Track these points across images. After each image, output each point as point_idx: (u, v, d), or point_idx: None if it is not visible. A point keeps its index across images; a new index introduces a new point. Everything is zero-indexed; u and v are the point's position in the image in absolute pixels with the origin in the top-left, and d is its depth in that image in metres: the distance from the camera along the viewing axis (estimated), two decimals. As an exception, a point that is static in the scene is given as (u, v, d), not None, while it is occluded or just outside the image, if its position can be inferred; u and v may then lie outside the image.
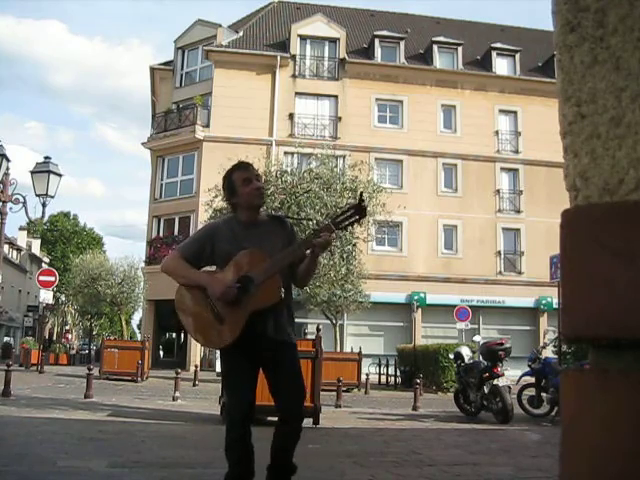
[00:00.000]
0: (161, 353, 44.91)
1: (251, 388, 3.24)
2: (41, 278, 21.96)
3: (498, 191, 29.55)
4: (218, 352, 17.63)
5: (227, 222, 3.45)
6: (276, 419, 3.41)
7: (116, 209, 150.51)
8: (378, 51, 30.41)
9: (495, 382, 9.89)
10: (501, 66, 30.95)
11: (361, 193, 3.36)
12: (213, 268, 3.45)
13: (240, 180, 3.30)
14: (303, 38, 29.97)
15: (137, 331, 59.07)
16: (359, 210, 3.27)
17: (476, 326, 26.42)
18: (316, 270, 3.43)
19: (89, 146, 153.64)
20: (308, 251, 3.28)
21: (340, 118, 28.94)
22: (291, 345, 3.32)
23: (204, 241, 3.36)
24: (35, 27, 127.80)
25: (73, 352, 38.76)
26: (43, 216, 13.53)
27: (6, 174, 12.61)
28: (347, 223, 3.29)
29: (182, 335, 38.98)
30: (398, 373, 21.50)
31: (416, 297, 26.96)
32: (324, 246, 3.26)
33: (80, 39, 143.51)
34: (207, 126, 28.49)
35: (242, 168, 3.39)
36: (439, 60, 30.64)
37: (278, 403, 3.27)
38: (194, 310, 3.28)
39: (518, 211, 29.59)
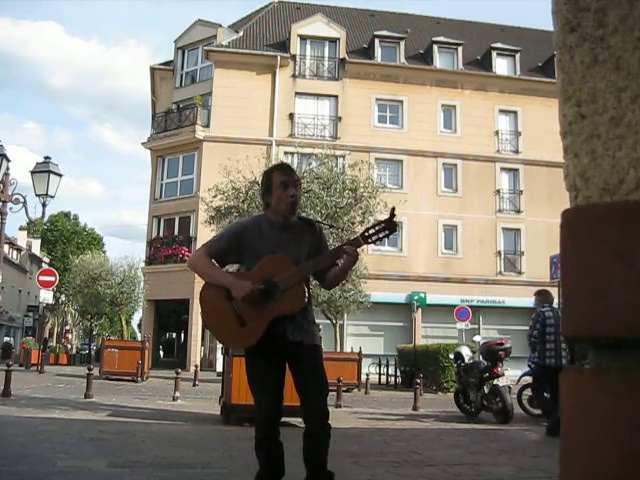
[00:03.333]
0: (161, 353, 44.94)
1: (277, 388, 3.25)
2: (41, 278, 21.95)
3: (498, 191, 29.55)
4: (219, 352, 17.51)
5: (256, 221, 3.42)
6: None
7: (114, 209, 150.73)
8: (378, 51, 30.41)
9: (495, 382, 9.89)
10: (501, 66, 30.95)
11: (393, 208, 3.30)
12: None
13: (278, 182, 3.25)
14: (303, 38, 29.97)
15: (137, 331, 59.05)
16: (390, 225, 3.25)
17: (476, 326, 26.42)
18: (345, 278, 3.46)
19: (87, 147, 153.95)
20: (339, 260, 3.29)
21: (340, 118, 28.94)
22: (313, 346, 3.31)
23: (231, 240, 3.33)
24: (32, 28, 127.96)
25: (73, 352, 38.81)
26: (43, 216, 13.53)
27: (6, 174, 12.60)
28: (376, 238, 3.27)
29: (182, 335, 38.97)
30: (398, 373, 21.49)
31: (416, 297, 26.94)
32: (351, 260, 3.25)
33: (77, 40, 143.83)
34: (207, 126, 28.49)
35: (283, 170, 3.35)
36: (439, 60, 30.64)
37: (302, 402, 3.28)
38: (217, 309, 3.26)
39: (518, 211, 29.59)
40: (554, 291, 9.63)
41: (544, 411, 8.91)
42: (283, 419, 3.45)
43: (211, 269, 3.28)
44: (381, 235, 3.26)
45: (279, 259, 3.19)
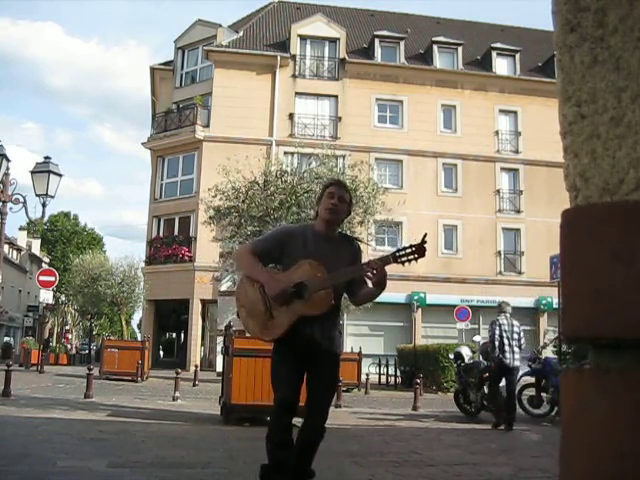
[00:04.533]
0: (161, 353, 44.93)
1: (296, 384, 3.47)
2: (41, 278, 21.94)
3: (498, 191, 29.55)
4: (219, 353, 17.48)
5: (303, 229, 3.74)
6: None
7: (114, 209, 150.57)
8: (378, 51, 30.41)
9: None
10: (501, 66, 30.94)
11: (425, 235, 3.50)
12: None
13: (327, 193, 3.61)
14: (303, 38, 29.96)
15: (137, 331, 59.05)
16: (420, 250, 3.47)
17: (476, 326, 26.42)
18: (376, 296, 3.64)
19: (86, 147, 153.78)
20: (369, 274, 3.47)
21: (340, 118, 28.94)
22: (335, 354, 3.57)
23: (275, 243, 3.63)
24: (31, 29, 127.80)
25: (73, 352, 38.81)
26: (43, 216, 13.52)
27: (6, 174, 12.60)
28: (405, 260, 3.48)
29: (182, 335, 38.99)
30: (398, 373, 21.50)
31: (416, 297, 26.96)
32: (379, 278, 3.40)
33: (76, 40, 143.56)
34: (207, 126, 28.48)
35: (334, 185, 3.71)
36: (439, 60, 30.64)
37: (307, 401, 3.52)
38: (250, 301, 3.54)
39: (518, 211, 29.59)
40: (554, 291, 9.81)
41: (494, 406, 9.67)
42: None
43: (252, 264, 3.57)
44: (410, 258, 3.49)
45: (314, 265, 3.45)
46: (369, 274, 3.43)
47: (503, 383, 9.88)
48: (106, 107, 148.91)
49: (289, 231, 3.80)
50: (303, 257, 3.47)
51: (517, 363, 9.46)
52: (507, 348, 9.43)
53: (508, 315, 9.73)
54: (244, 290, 3.60)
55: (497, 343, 9.50)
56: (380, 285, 3.46)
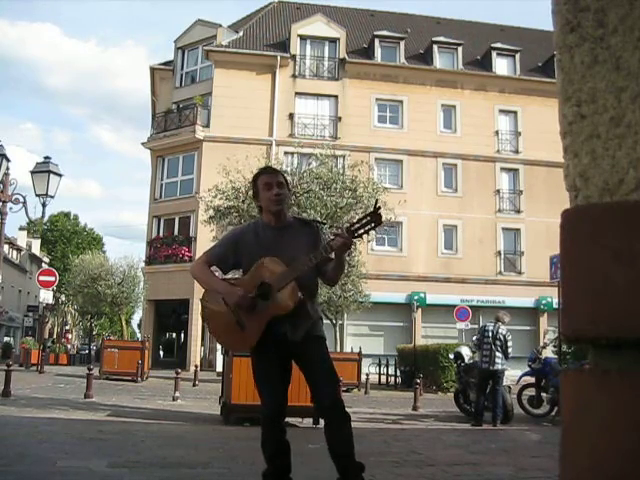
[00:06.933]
0: (161, 353, 44.90)
1: (280, 388, 3.36)
2: (41, 278, 21.94)
3: (498, 191, 29.54)
4: (219, 352, 17.53)
5: (253, 226, 3.58)
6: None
7: (113, 210, 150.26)
8: (378, 51, 30.40)
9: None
10: (501, 66, 30.94)
11: (376, 201, 3.45)
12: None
13: (262, 184, 3.42)
14: (303, 38, 29.96)
15: (137, 331, 59.05)
16: (374, 218, 3.29)
17: (476, 326, 26.36)
18: (344, 269, 3.53)
19: (85, 147, 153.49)
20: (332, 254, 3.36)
21: (340, 118, 28.93)
22: (316, 337, 3.41)
23: (228, 247, 3.50)
24: (29, 30, 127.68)
25: (73, 352, 38.79)
26: (43, 216, 13.53)
27: (6, 174, 12.60)
28: (362, 231, 3.31)
29: (182, 335, 38.98)
30: (398, 373, 21.50)
31: (416, 297, 26.96)
32: (342, 248, 3.29)
33: (74, 41, 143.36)
34: (207, 126, 28.48)
35: (266, 173, 3.54)
36: (439, 60, 30.64)
37: (312, 393, 3.40)
38: (218, 315, 3.42)
39: (518, 211, 29.58)
40: (554, 291, 9.88)
41: (475, 409, 9.85)
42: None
43: (208, 277, 3.46)
44: (367, 228, 3.30)
45: (271, 261, 3.30)
46: (331, 255, 3.32)
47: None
48: (104, 108, 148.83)
49: (239, 231, 3.71)
50: (259, 254, 3.32)
51: (499, 367, 9.59)
52: (486, 353, 9.68)
53: (500, 323, 9.95)
54: (210, 307, 3.47)
55: (477, 348, 10.07)
56: (344, 253, 3.34)
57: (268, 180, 3.41)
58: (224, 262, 3.49)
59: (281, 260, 3.29)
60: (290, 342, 3.31)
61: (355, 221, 3.38)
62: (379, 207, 3.33)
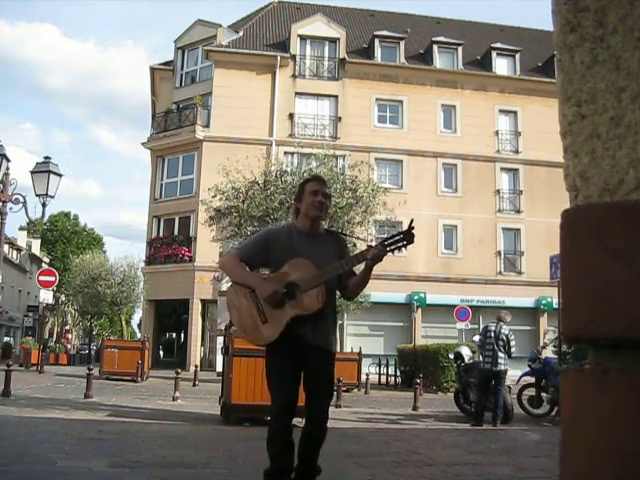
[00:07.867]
0: (161, 353, 44.88)
1: (293, 386, 3.46)
2: (41, 278, 21.93)
3: (498, 191, 29.54)
4: (219, 352, 17.49)
5: (286, 230, 3.73)
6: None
7: (113, 210, 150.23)
8: (378, 51, 30.40)
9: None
10: (501, 66, 30.94)
11: (411, 220, 3.50)
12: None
13: (310, 190, 3.58)
14: (303, 38, 29.96)
15: (137, 331, 59.04)
16: (408, 237, 3.44)
17: (476, 326, 26.35)
18: (366, 285, 3.66)
19: (84, 147, 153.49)
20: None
21: (340, 118, 28.93)
22: (328, 352, 3.55)
23: (261, 246, 3.63)
24: (28, 30, 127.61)
25: (73, 352, 38.81)
26: (43, 216, 13.53)
27: (6, 174, 12.60)
28: (394, 247, 3.46)
29: (182, 335, 38.99)
30: (398, 373, 21.49)
31: (416, 297, 26.95)
32: (376, 259, 3.41)
33: (73, 41, 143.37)
34: (207, 126, 28.48)
35: (316, 180, 3.74)
36: (439, 60, 30.63)
37: (306, 402, 3.50)
38: (243, 307, 3.53)
39: (518, 211, 29.58)
40: (554, 291, 9.90)
41: (475, 409, 9.90)
42: None
43: (240, 271, 3.59)
44: (399, 245, 3.46)
45: (303, 263, 3.44)
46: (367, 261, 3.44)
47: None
48: (103, 108, 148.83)
49: (274, 232, 3.83)
50: (290, 256, 3.45)
51: (502, 367, 9.61)
52: (488, 353, 9.70)
53: (502, 323, 9.96)
54: (235, 299, 3.58)
55: (479, 349, 10.15)
56: (374, 265, 3.46)
57: (317, 187, 3.58)
58: (253, 259, 3.61)
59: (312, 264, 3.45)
60: (306, 345, 3.40)
61: (389, 236, 3.53)
62: (413, 227, 3.44)
